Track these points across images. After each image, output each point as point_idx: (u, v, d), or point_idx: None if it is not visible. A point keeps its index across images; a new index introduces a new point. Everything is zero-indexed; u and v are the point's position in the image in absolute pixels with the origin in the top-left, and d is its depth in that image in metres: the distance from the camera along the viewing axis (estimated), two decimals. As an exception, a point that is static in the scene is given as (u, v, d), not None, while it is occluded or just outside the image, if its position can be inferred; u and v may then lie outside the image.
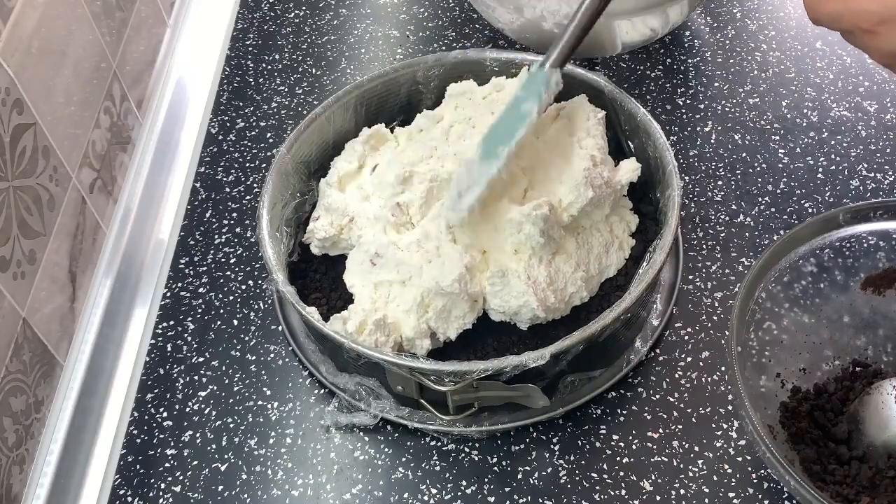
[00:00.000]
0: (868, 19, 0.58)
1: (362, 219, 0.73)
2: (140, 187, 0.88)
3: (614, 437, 0.67)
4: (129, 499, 0.67)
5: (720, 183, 0.82)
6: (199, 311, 0.77)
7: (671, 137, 0.85)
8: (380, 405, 0.68)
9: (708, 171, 0.83)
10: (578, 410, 0.69)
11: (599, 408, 0.69)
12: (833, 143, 0.84)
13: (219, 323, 0.76)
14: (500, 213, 0.68)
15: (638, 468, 0.65)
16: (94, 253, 0.81)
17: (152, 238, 0.86)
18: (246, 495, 0.66)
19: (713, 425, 0.67)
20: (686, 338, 0.72)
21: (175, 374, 0.73)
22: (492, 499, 0.65)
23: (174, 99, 0.96)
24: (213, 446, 0.69)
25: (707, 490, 0.64)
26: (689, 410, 0.68)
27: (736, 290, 0.74)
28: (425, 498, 0.65)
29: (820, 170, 0.82)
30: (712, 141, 0.85)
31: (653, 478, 0.65)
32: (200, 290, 0.78)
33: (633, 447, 0.67)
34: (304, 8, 1.02)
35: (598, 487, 0.65)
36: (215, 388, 0.72)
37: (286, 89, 0.94)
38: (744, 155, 0.84)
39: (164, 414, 0.71)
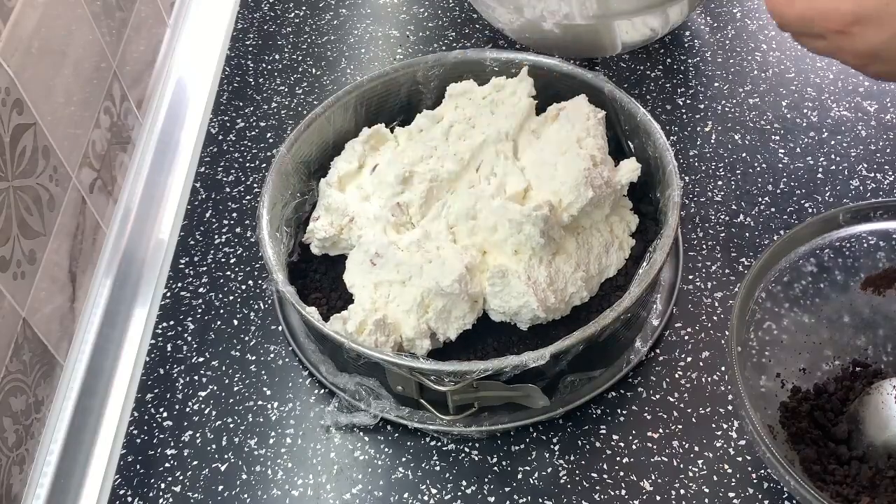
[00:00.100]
0: (841, 20, 0.58)
1: (362, 219, 0.73)
2: (140, 187, 0.88)
3: (614, 437, 0.67)
4: (129, 499, 0.67)
5: (720, 183, 0.82)
6: (199, 311, 0.77)
7: (671, 137, 0.85)
8: (380, 405, 0.68)
9: (708, 171, 0.83)
10: (578, 410, 0.69)
11: (599, 408, 0.69)
12: (833, 143, 0.84)
13: (219, 323, 0.76)
14: (500, 214, 0.68)
15: (638, 468, 0.65)
16: (94, 253, 0.80)
17: (152, 238, 0.86)
18: (246, 495, 0.66)
19: (713, 425, 0.67)
20: (686, 338, 0.72)
21: (175, 374, 0.73)
22: (492, 499, 0.65)
23: (174, 99, 0.96)
24: (213, 446, 0.69)
25: (707, 490, 0.64)
26: (689, 410, 0.68)
27: (736, 290, 0.74)
28: (425, 498, 0.65)
29: (820, 170, 0.82)
30: (712, 141, 0.85)
31: (653, 478, 0.65)
32: (200, 290, 0.78)
33: (633, 447, 0.67)
34: (304, 8, 1.02)
35: (598, 487, 0.65)
36: (215, 388, 0.72)
37: (286, 89, 0.94)
38: (744, 155, 0.84)
39: (164, 414, 0.71)
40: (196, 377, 0.73)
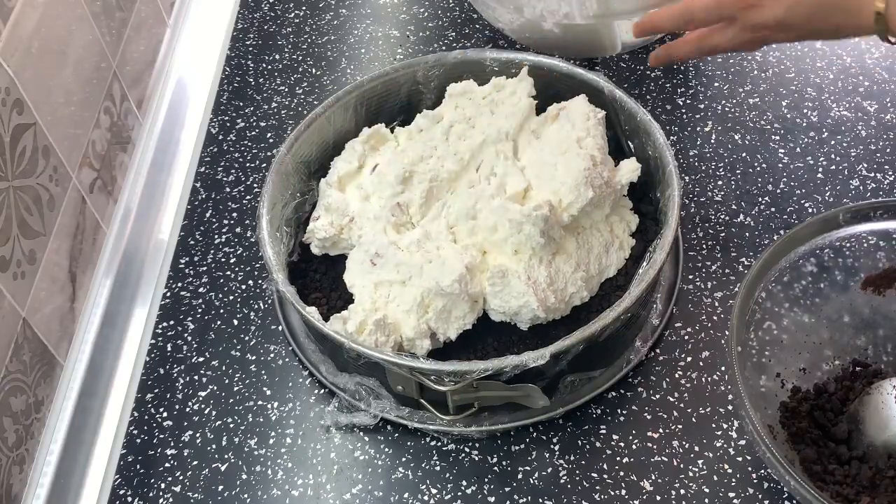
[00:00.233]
0: None
1: (362, 219, 0.73)
2: (140, 187, 0.88)
3: (614, 437, 0.67)
4: (129, 499, 0.67)
5: (720, 183, 0.82)
6: (199, 311, 0.77)
7: (671, 137, 0.85)
8: (380, 405, 0.68)
9: (708, 171, 0.83)
10: (578, 410, 0.69)
11: (599, 408, 0.69)
12: (833, 143, 0.84)
13: (219, 323, 0.76)
14: (500, 214, 0.68)
15: (638, 468, 0.65)
16: (94, 253, 0.80)
17: (152, 238, 0.86)
18: (246, 495, 0.66)
19: (713, 425, 0.67)
20: (686, 338, 0.72)
21: (175, 374, 0.73)
22: (492, 499, 0.65)
23: (174, 99, 0.96)
24: (213, 446, 0.69)
25: (707, 490, 0.64)
26: (689, 410, 0.68)
27: (736, 290, 0.74)
28: (425, 498, 0.65)
29: (820, 170, 0.82)
30: (712, 141, 0.85)
31: (653, 478, 0.65)
32: (200, 290, 0.78)
33: (633, 447, 0.66)
34: (304, 8, 1.02)
35: (598, 487, 0.65)
36: (215, 388, 0.72)
37: (286, 89, 0.94)
38: (744, 155, 0.84)
39: (164, 414, 0.71)
40: (196, 377, 0.73)
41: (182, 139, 0.93)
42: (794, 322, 0.66)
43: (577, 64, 0.80)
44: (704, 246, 0.77)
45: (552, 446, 0.67)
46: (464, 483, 0.66)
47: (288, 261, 0.73)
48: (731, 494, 0.64)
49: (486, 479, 0.66)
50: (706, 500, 0.63)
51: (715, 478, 0.64)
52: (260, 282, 0.79)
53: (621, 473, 0.65)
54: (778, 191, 0.81)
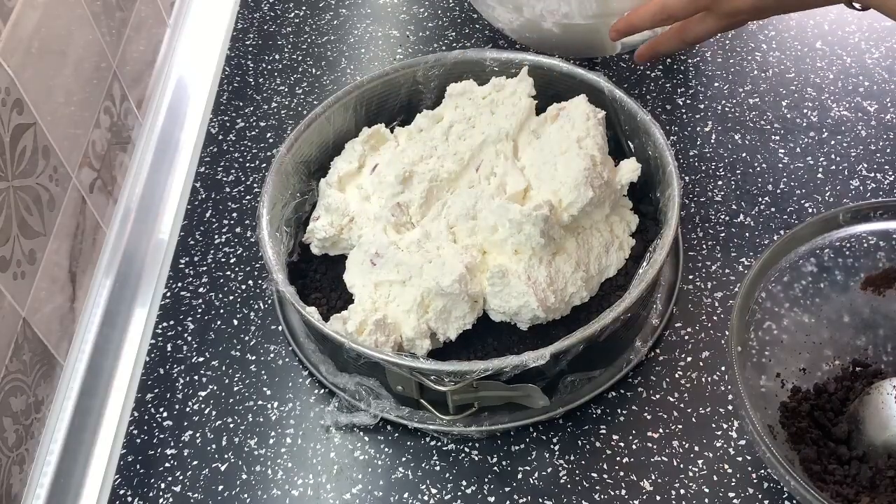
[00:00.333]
0: None
1: (362, 219, 0.73)
2: (140, 187, 0.88)
3: (614, 437, 0.67)
4: (129, 499, 0.67)
5: (720, 183, 0.82)
6: (199, 311, 0.77)
7: (671, 137, 0.85)
8: (380, 405, 0.68)
9: (708, 171, 0.83)
10: (578, 410, 0.69)
11: (599, 408, 0.69)
12: (833, 143, 0.84)
13: (219, 323, 0.76)
14: (500, 213, 0.68)
15: (638, 468, 0.65)
16: (94, 253, 0.80)
17: (152, 238, 0.86)
18: (246, 495, 0.66)
19: (713, 425, 0.67)
20: (686, 338, 0.72)
21: (175, 374, 0.73)
22: (492, 499, 0.65)
23: (174, 99, 0.96)
24: (213, 446, 0.69)
25: (707, 490, 0.64)
26: (689, 410, 0.68)
27: (736, 290, 0.74)
28: (425, 498, 0.65)
29: (820, 170, 0.82)
30: (712, 141, 0.85)
31: (653, 478, 0.65)
32: (200, 290, 0.78)
33: (633, 447, 0.66)
34: (304, 8, 1.02)
35: (598, 487, 0.65)
36: (215, 388, 0.72)
37: (286, 89, 0.94)
38: (744, 155, 0.84)
39: (164, 414, 0.71)
40: (196, 377, 0.73)
41: (182, 139, 0.93)
42: (794, 322, 0.66)
43: (577, 64, 0.80)
44: (704, 246, 0.77)
45: (552, 446, 0.67)
46: (464, 483, 0.66)
47: (288, 261, 0.73)
48: (731, 494, 0.64)
49: (486, 479, 0.66)
50: (706, 500, 0.63)
51: (715, 478, 0.65)
52: (260, 282, 0.79)
53: (621, 473, 0.65)
54: (778, 191, 0.81)
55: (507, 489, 0.65)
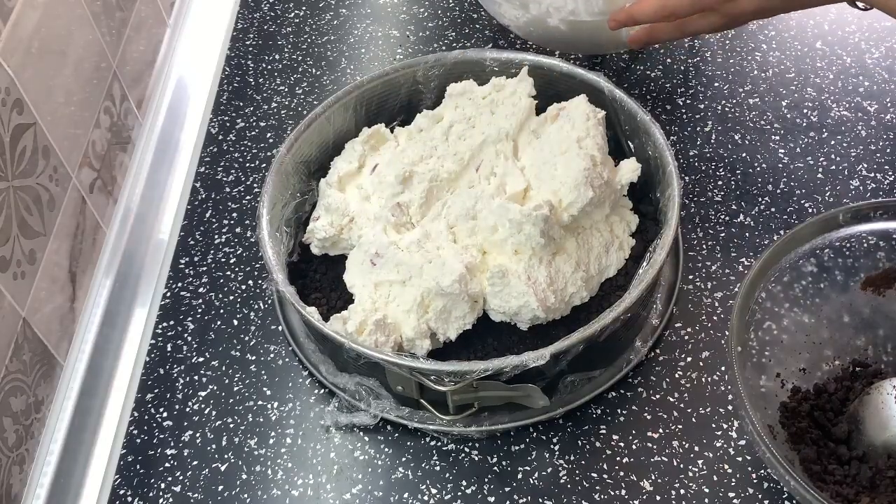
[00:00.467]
0: None
1: (362, 219, 0.73)
2: (140, 187, 0.88)
3: (614, 437, 0.67)
4: (129, 499, 0.67)
5: (720, 183, 0.82)
6: (199, 311, 0.77)
7: (671, 137, 0.85)
8: (380, 405, 0.68)
9: (708, 171, 0.83)
10: (578, 410, 0.69)
11: (599, 408, 0.69)
12: (833, 143, 0.84)
13: (219, 323, 0.76)
14: (500, 214, 0.68)
15: (638, 468, 0.65)
16: (94, 253, 0.81)
17: (152, 238, 0.86)
18: (246, 495, 0.66)
19: (713, 425, 0.67)
20: (686, 338, 0.72)
21: (175, 374, 0.73)
22: (492, 499, 0.65)
23: (174, 99, 0.96)
24: (213, 446, 0.69)
25: (707, 490, 0.64)
26: (689, 410, 0.68)
27: (736, 290, 0.74)
28: (425, 498, 0.65)
29: (820, 170, 0.82)
30: (712, 141, 0.85)
31: (653, 478, 0.65)
32: (200, 290, 0.78)
33: (633, 447, 0.66)
34: (304, 8, 1.02)
35: (598, 487, 0.65)
36: (215, 388, 0.72)
37: (286, 89, 0.94)
38: (744, 155, 0.84)
39: (164, 414, 0.71)
40: (196, 377, 0.73)
41: (182, 139, 0.93)
42: (794, 322, 0.66)
43: (577, 64, 0.80)
44: (704, 246, 0.77)
45: (552, 446, 0.67)
46: (464, 483, 0.66)
47: (288, 261, 0.73)
48: (731, 494, 0.64)
49: (486, 479, 0.66)
50: (706, 500, 0.63)
51: (715, 478, 0.65)
52: (260, 282, 0.79)
53: (621, 473, 0.65)
54: (778, 191, 0.81)
55: (507, 489, 0.65)
